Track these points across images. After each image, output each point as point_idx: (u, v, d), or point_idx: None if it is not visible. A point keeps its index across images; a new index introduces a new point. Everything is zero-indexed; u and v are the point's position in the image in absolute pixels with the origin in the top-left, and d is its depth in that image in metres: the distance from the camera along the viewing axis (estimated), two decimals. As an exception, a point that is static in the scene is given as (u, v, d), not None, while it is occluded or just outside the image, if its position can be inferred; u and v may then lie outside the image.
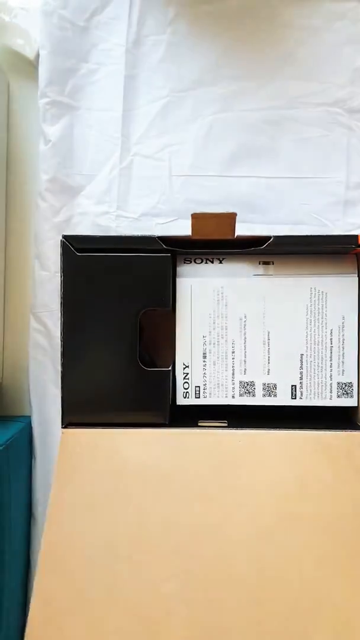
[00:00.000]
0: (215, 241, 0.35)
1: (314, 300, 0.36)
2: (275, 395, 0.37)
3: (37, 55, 0.45)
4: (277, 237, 0.35)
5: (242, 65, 0.45)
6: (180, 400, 0.37)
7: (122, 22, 0.45)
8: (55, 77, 0.45)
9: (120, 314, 0.36)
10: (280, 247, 0.36)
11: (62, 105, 0.45)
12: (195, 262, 0.38)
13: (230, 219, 0.34)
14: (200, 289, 0.37)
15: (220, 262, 0.37)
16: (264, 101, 0.45)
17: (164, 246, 0.36)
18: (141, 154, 0.46)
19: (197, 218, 0.34)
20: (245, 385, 0.37)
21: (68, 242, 0.37)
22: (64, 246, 0.37)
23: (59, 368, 0.46)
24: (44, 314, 0.46)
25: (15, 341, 0.48)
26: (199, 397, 0.37)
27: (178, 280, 0.37)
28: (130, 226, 0.46)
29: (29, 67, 0.47)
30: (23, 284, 0.48)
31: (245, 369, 0.36)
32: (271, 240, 0.35)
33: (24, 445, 0.46)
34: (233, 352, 0.36)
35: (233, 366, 0.36)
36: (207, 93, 0.45)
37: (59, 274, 0.46)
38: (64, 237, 0.37)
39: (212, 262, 0.37)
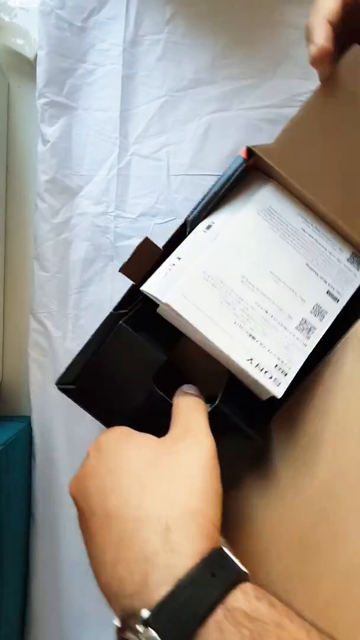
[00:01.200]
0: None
1: (270, 219, 0.35)
2: (326, 312, 0.35)
3: (37, 56, 0.45)
4: None
5: (240, 64, 0.45)
6: (279, 393, 0.33)
7: (119, 22, 0.45)
8: (53, 78, 0.45)
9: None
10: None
11: (60, 106, 0.45)
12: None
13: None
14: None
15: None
16: (262, 100, 0.45)
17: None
18: (139, 153, 0.45)
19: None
20: (301, 325, 0.34)
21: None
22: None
23: (59, 369, 0.46)
24: (43, 314, 0.47)
25: (15, 342, 0.49)
26: (287, 374, 0.33)
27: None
28: (129, 227, 0.46)
29: (28, 67, 0.47)
30: (22, 284, 0.48)
31: (288, 314, 0.34)
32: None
33: (23, 445, 0.46)
34: (267, 311, 0.33)
35: (279, 321, 0.34)
36: (205, 92, 0.45)
37: (59, 275, 0.46)
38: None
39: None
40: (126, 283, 0.46)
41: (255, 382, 0.33)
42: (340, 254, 0.36)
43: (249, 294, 0.34)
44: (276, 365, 0.33)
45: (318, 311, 0.35)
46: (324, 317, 0.35)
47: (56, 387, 0.47)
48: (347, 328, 0.35)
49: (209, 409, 0.33)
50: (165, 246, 0.35)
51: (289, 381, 0.33)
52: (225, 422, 0.33)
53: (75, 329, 0.46)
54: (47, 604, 0.48)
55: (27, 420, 0.47)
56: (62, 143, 0.45)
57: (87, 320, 0.46)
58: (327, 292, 0.35)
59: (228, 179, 0.35)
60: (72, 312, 0.46)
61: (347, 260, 0.36)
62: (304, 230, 0.35)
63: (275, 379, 0.33)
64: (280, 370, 0.33)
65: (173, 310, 0.32)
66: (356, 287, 0.36)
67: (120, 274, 0.46)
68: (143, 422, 0.33)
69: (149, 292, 0.34)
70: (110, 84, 0.45)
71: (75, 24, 0.44)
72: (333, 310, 0.35)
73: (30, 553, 0.48)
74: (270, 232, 0.35)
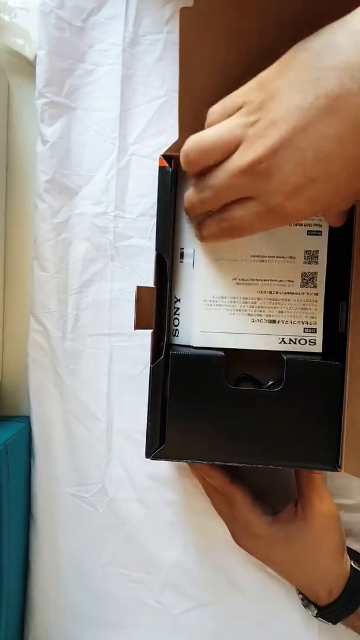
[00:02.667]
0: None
1: None
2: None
3: (37, 56, 0.45)
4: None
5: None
6: (317, 349, 0.38)
7: (118, 22, 0.44)
8: (52, 78, 0.45)
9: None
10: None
11: (59, 106, 0.45)
12: None
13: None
14: None
15: None
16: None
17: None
18: (138, 153, 0.45)
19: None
20: (304, 276, 0.37)
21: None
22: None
23: (58, 369, 0.47)
24: (43, 314, 0.47)
25: (15, 342, 0.49)
26: (316, 330, 0.37)
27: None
28: (129, 226, 0.46)
29: (28, 67, 0.47)
30: (22, 285, 0.48)
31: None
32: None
33: (23, 445, 0.46)
34: (270, 292, 0.36)
35: (286, 291, 0.37)
36: (204, 92, 0.45)
37: (58, 275, 0.46)
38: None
39: None
40: (126, 283, 0.46)
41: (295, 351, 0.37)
42: None
43: (248, 289, 0.36)
44: (304, 329, 0.37)
45: (310, 256, 0.37)
46: (317, 257, 0.37)
47: (55, 388, 0.47)
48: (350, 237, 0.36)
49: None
50: (155, 282, 0.36)
51: (321, 333, 0.37)
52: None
53: (75, 329, 0.46)
54: (46, 603, 0.48)
55: (26, 420, 0.47)
56: (62, 143, 0.45)
57: (86, 321, 0.46)
58: (307, 233, 0.37)
59: (165, 195, 0.35)
60: (71, 312, 0.46)
61: None
62: None
63: (309, 340, 0.37)
64: (310, 329, 0.37)
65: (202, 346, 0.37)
66: None
67: (120, 274, 0.46)
68: (229, 422, 0.36)
69: (178, 352, 0.37)
70: (110, 84, 0.45)
71: (74, 24, 0.44)
72: (322, 245, 0.37)
73: (30, 553, 0.48)
74: None
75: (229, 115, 0.29)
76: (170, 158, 0.35)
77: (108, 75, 0.45)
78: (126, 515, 0.47)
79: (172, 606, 0.47)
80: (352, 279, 0.35)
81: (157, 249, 0.36)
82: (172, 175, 0.35)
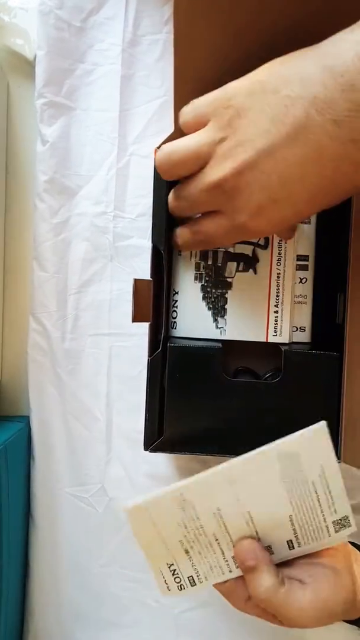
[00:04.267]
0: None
1: (286, 464, 0.31)
2: (272, 554, 0.33)
3: (36, 56, 0.45)
4: None
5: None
6: (177, 593, 0.34)
7: (118, 22, 0.44)
8: (52, 78, 0.45)
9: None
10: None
11: (59, 106, 0.45)
12: None
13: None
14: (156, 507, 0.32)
15: None
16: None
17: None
18: (138, 153, 0.45)
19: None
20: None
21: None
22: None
23: (58, 369, 0.47)
24: (42, 314, 0.47)
25: (14, 342, 0.49)
26: (195, 585, 0.34)
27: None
28: (128, 226, 0.46)
29: (28, 67, 0.47)
30: (22, 285, 0.48)
31: (234, 544, 0.33)
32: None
33: (22, 445, 0.46)
34: (217, 540, 0.33)
35: (221, 548, 0.33)
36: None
37: (58, 275, 0.46)
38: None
39: None
40: (126, 283, 0.46)
41: (160, 578, 0.34)
42: (329, 515, 0.33)
43: (212, 526, 0.33)
44: (190, 577, 0.34)
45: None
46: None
47: (54, 388, 0.47)
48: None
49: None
50: (152, 275, 0.36)
51: (193, 590, 0.34)
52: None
53: (75, 329, 0.46)
54: (46, 604, 0.48)
55: (26, 420, 0.47)
56: (61, 143, 0.45)
57: (86, 321, 0.46)
58: (288, 542, 0.34)
59: (161, 188, 0.36)
60: (71, 312, 0.46)
61: (333, 522, 0.33)
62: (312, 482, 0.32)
63: (182, 585, 0.34)
64: (191, 581, 0.34)
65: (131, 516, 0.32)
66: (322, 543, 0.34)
67: (119, 274, 0.46)
68: (227, 414, 0.36)
69: (176, 344, 0.37)
70: (109, 84, 0.45)
71: (74, 24, 0.44)
72: (282, 553, 0.34)
73: (30, 553, 0.48)
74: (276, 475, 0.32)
75: (199, 121, 0.31)
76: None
77: (107, 75, 0.45)
78: (126, 515, 0.47)
79: (171, 606, 0.47)
80: (349, 271, 0.36)
81: (153, 241, 0.36)
82: None
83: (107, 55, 0.45)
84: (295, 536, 0.33)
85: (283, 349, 0.36)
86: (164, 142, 0.34)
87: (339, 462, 0.35)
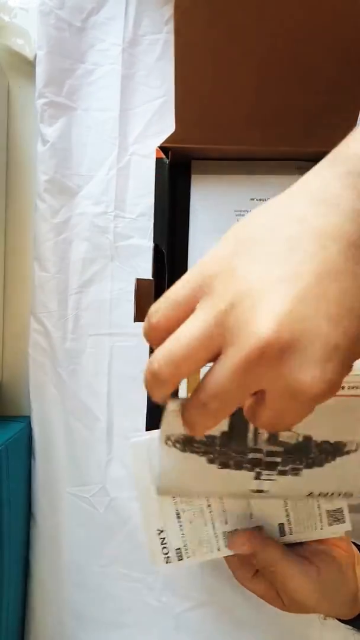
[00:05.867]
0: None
1: None
2: None
3: (36, 56, 0.45)
4: None
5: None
6: (162, 566, 0.34)
7: (118, 21, 0.44)
8: (52, 78, 0.45)
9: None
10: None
11: (59, 106, 0.45)
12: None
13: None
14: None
15: None
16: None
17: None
18: (138, 153, 0.45)
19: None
20: (230, 535, 0.34)
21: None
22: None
23: (58, 369, 0.47)
24: (43, 314, 0.47)
25: (15, 342, 0.49)
26: (182, 559, 0.34)
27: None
28: (129, 226, 0.46)
29: (28, 67, 0.47)
30: (22, 285, 0.48)
31: (226, 519, 0.33)
32: None
33: (23, 445, 0.46)
34: (209, 506, 0.32)
35: (212, 520, 0.33)
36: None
37: (59, 275, 0.46)
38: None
39: None
40: (127, 283, 0.46)
41: (150, 546, 0.34)
42: (324, 502, 0.34)
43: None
44: (178, 549, 0.34)
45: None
46: None
47: (55, 388, 0.47)
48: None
49: None
50: (153, 274, 0.36)
51: (180, 565, 0.34)
52: None
53: (76, 329, 0.46)
54: (47, 604, 0.48)
55: (27, 420, 0.47)
56: (62, 143, 0.45)
57: (87, 321, 0.46)
58: (280, 525, 0.34)
59: (162, 187, 0.35)
60: (72, 313, 0.46)
61: (327, 512, 0.34)
62: None
63: (169, 557, 0.34)
64: (178, 554, 0.34)
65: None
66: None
67: (120, 274, 0.46)
68: None
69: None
70: (110, 84, 0.45)
71: (74, 24, 0.44)
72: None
73: (30, 553, 0.48)
74: None
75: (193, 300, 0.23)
76: (167, 150, 0.35)
77: (108, 75, 0.45)
78: (127, 515, 0.47)
79: (172, 605, 0.47)
80: None
81: (154, 240, 0.36)
82: (169, 167, 0.35)
83: (108, 55, 0.45)
84: (288, 520, 0.33)
85: None
86: (166, 142, 0.33)
87: None
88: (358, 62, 0.34)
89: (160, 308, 0.24)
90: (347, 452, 0.31)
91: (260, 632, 0.46)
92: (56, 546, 0.47)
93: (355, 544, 0.41)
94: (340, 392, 0.29)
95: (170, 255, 0.37)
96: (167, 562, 0.34)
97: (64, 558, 0.47)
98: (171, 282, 0.38)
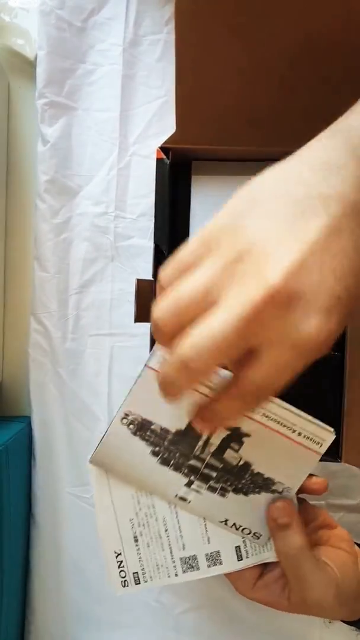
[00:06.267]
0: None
1: None
2: (220, 563, 0.34)
3: (37, 56, 0.45)
4: None
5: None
6: (119, 590, 0.34)
7: (119, 22, 0.44)
8: (53, 78, 0.45)
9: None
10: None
11: (60, 106, 0.45)
12: None
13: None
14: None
15: None
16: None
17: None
18: (139, 153, 0.45)
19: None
20: (187, 560, 0.34)
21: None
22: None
23: (59, 369, 0.47)
24: (43, 314, 0.47)
25: (15, 342, 0.49)
26: (139, 584, 0.34)
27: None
28: (129, 227, 0.46)
29: (28, 67, 0.47)
30: (23, 285, 0.48)
31: (183, 544, 0.33)
32: None
33: (23, 445, 0.46)
34: (166, 530, 0.33)
35: (170, 544, 0.33)
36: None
37: (59, 275, 0.46)
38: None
39: None
40: (127, 283, 0.46)
41: (108, 569, 0.33)
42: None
43: (163, 510, 0.33)
44: (135, 573, 0.34)
45: (213, 559, 0.34)
46: (215, 565, 0.34)
47: (55, 388, 0.47)
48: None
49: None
50: (154, 275, 0.36)
51: (137, 589, 0.34)
52: None
53: (76, 330, 0.47)
54: (47, 604, 0.48)
55: (27, 420, 0.47)
56: (62, 143, 0.45)
57: (87, 321, 0.47)
58: (236, 547, 0.34)
59: (163, 187, 0.35)
60: (72, 313, 0.46)
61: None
62: None
63: (126, 581, 0.34)
64: (135, 579, 0.34)
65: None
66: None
67: (120, 274, 0.46)
68: None
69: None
70: (110, 84, 0.45)
71: (75, 24, 0.44)
72: (230, 564, 0.34)
73: (30, 553, 0.48)
74: None
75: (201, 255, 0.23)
76: (167, 150, 0.35)
77: (108, 75, 0.45)
78: (127, 516, 0.47)
79: (172, 606, 0.47)
80: None
81: (155, 240, 0.36)
82: (170, 167, 0.35)
83: (108, 56, 0.45)
84: (244, 541, 0.34)
85: None
86: (166, 142, 0.34)
87: (339, 462, 0.35)
88: (359, 62, 0.34)
89: (167, 270, 0.24)
90: (272, 492, 0.33)
91: (259, 633, 0.46)
92: (56, 546, 0.47)
93: (356, 544, 0.41)
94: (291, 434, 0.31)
95: (170, 255, 0.37)
96: (123, 586, 0.34)
97: (64, 558, 0.47)
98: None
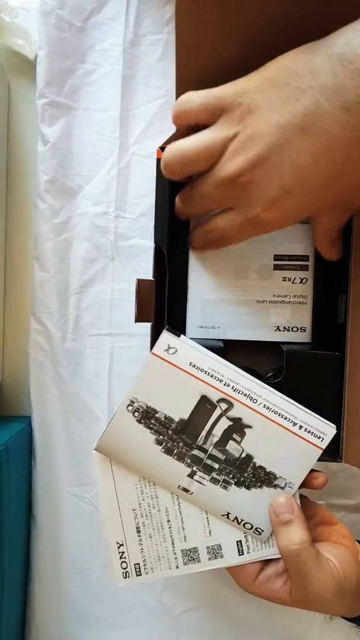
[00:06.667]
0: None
1: None
2: (221, 557, 0.34)
3: (37, 56, 0.45)
4: None
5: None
6: (121, 581, 0.34)
7: (119, 22, 0.44)
8: (53, 78, 0.45)
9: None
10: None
11: (60, 106, 0.45)
12: None
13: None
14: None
15: None
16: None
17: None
18: (139, 154, 0.45)
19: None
20: (188, 552, 0.34)
21: None
22: None
23: (59, 369, 0.47)
24: (43, 314, 0.47)
25: (15, 342, 0.49)
26: (140, 575, 0.34)
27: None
28: (129, 227, 0.46)
29: (29, 67, 0.47)
30: (23, 285, 0.48)
31: (185, 536, 0.34)
32: None
33: (23, 445, 0.46)
34: (169, 522, 0.34)
35: (172, 536, 0.34)
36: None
37: (59, 275, 0.46)
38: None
39: None
40: (127, 283, 0.46)
41: (109, 560, 0.34)
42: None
43: (166, 500, 0.34)
44: (137, 564, 0.34)
45: (214, 552, 0.35)
46: (216, 558, 0.34)
47: (55, 388, 0.47)
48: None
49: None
50: (154, 275, 0.36)
51: (138, 581, 0.34)
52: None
53: (76, 330, 0.47)
54: (47, 604, 0.48)
55: (27, 420, 0.47)
56: (63, 143, 0.45)
57: (87, 321, 0.47)
58: (237, 542, 0.34)
59: (163, 187, 0.35)
60: (72, 313, 0.46)
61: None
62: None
63: (127, 572, 0.34)
64: (137, 570, 0.34)
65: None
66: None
67: (121, 274, 0.46)
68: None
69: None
70: (110, 84, 0.45)
71: (75, 24, 0.44)
72: (231, 558, 0.34)
73: (30, 553, 0.48)
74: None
75: (208, 113, 0.31)
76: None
77: (109, 75, 0.45)
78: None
79: (173, 606, 0.47)
80: (351, 270, 0.36)
81: (155, 240, 0.36)
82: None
83: (108, 55, 0.45)
84: (245, 536, 0.34)
85: (285, 349, 0.36)
86: (166, 142, 0.34)
87: (339, 462, 0.35)
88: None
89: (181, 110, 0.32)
90: (275, 487, 0.33)
91: (260, 632, 0.46)
92: (57, 546, 0.47)
93: (357, 541, 0.41)
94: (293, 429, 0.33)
95: (170, 255, 0.37)
96: (124, 577, 0.34)
97: (64, 558, 0.47)
98: (172, 282, 0.38)
